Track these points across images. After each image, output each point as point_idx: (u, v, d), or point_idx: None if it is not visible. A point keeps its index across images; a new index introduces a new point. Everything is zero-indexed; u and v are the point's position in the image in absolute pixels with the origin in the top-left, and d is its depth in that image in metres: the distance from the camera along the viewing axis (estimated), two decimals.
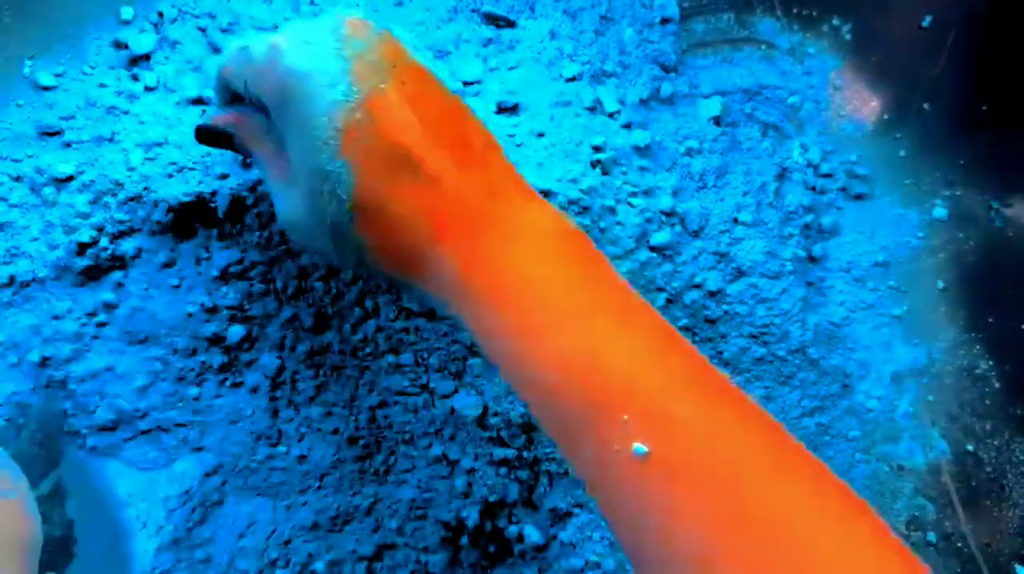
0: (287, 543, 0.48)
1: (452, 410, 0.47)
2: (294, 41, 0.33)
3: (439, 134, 0.32)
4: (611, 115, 0.51)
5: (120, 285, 0.46)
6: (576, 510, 0.50)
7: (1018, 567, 0.51)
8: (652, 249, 0.50)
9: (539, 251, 0.32)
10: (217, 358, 0.46)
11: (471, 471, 0.48)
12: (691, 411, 0.28)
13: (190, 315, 0.46)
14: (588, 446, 0.29)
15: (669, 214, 0.51)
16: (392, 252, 0.33)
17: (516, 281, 0.31)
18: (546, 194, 0.48)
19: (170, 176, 0.45)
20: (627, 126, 0.51)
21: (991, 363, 0.54)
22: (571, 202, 0.49)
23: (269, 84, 0.33)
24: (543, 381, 0.30)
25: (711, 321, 0.52)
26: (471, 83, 0.51)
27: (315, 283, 0.46)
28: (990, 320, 0.54)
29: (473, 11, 0.53)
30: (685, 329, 0.52)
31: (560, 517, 0.50)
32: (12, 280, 0.45)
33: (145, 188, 0.45)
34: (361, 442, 0.48)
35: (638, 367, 0.29)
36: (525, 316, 0.30)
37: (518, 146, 0.50)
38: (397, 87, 0.32)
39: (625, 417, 0.27)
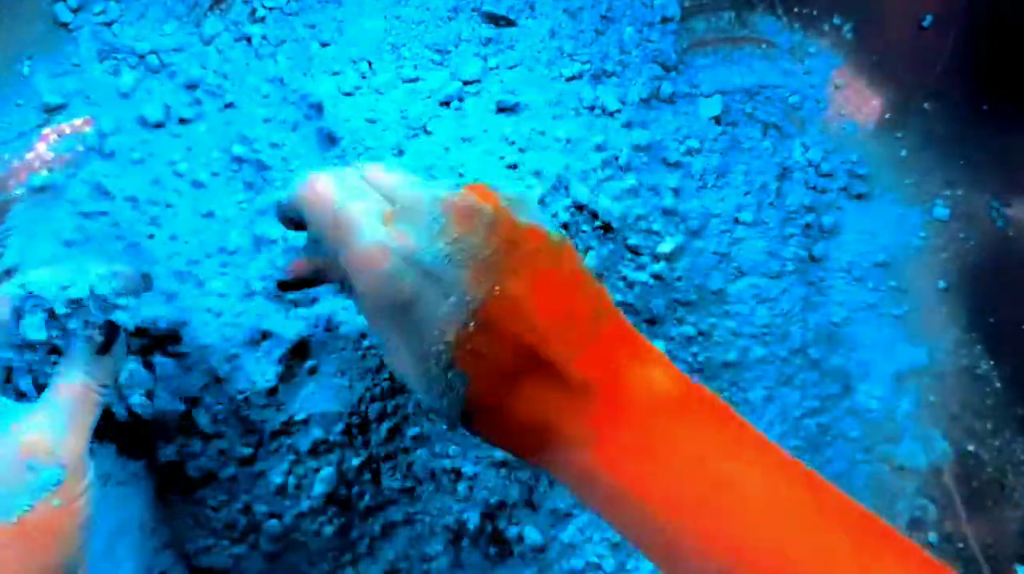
0: None
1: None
2: (394, 249, 0.30)
3: (555, 318, 0.30)
4: (611, 114, 0.51)
5: None
6: (576, 511, 0.50)
7: (1019, 568, 0.51)
8: (656, 257, 0.50)
9: (664, 428, 0.29)
10: None
11: (473, 476, 0.48)
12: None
13: None
14: None
15: (670, 213, 0.51)
16: (510, 441, 0.31)
17: (656, 470, 0.29)
18: (545, 197, 0.48)
19: None
20: (627, 125, 0.51)
21: (992, 363, 0.54)
22: (577, 205, 0.48)
23: (366, 284, 0.31)
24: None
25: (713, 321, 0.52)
26: (471, 82, 0.51)
27: None
28: (991, 320, 0.54)
29: (473, 10, 0.53)
30: (685, 330, 0.52)
31: (560, 518, 0.50)
32: None
33: None
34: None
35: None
36: (659, 503, 0.28)
37: (518, 147, 0.50)
38: (512, 281, 0.30)
39: None
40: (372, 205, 0.32)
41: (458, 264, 0.29)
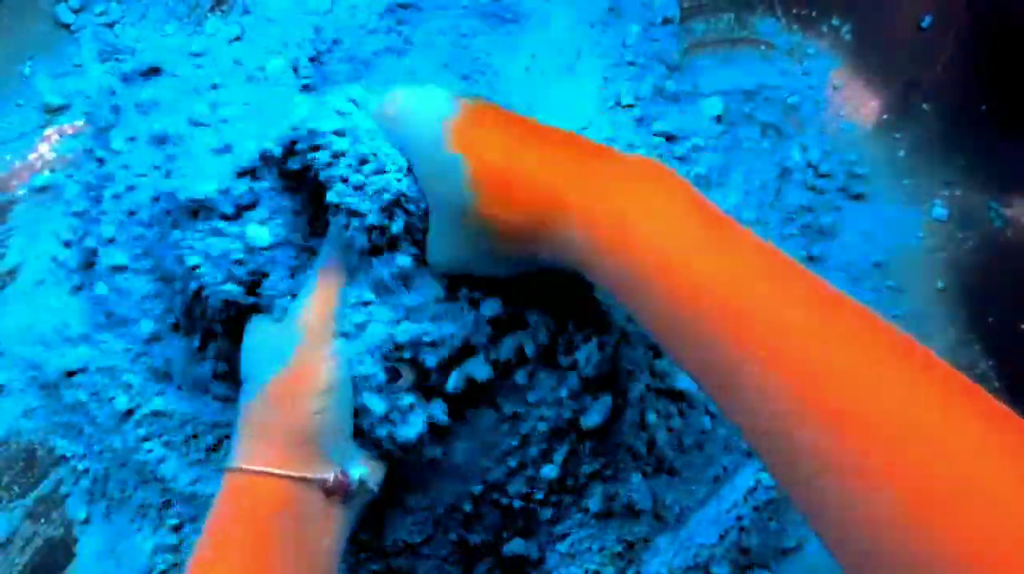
0: None
1: None
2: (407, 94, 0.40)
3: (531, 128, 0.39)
4: (624, 107, 0.51)
5: None
6: (572, 530, 0.50)
7: None
8: None
9: (650, 199, 0.34)
10: None
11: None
12: (804, 318, 0.29)
13: None
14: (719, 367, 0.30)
15: None
16: (516, 223, 0.36)
17: (644, 233, 0.33)
18: None
19: None
20: (640, 120, 0.51)
21: (991, 363, 0.54)
22: None
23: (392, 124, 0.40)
24: (677, 316, 0.31)
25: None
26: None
27: None
28: (989, 320, 0.54)
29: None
30: None
31: (556, 538, 0.50)
32: None
33: None
34: None
35: (759, 292, 0.30)
36: (652, 255, 0.32)
37: None
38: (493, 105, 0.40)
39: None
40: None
41: (448, 96, 0.39)
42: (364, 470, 0.41)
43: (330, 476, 0.40)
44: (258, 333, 0.43)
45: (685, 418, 0.51)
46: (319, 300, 0.41)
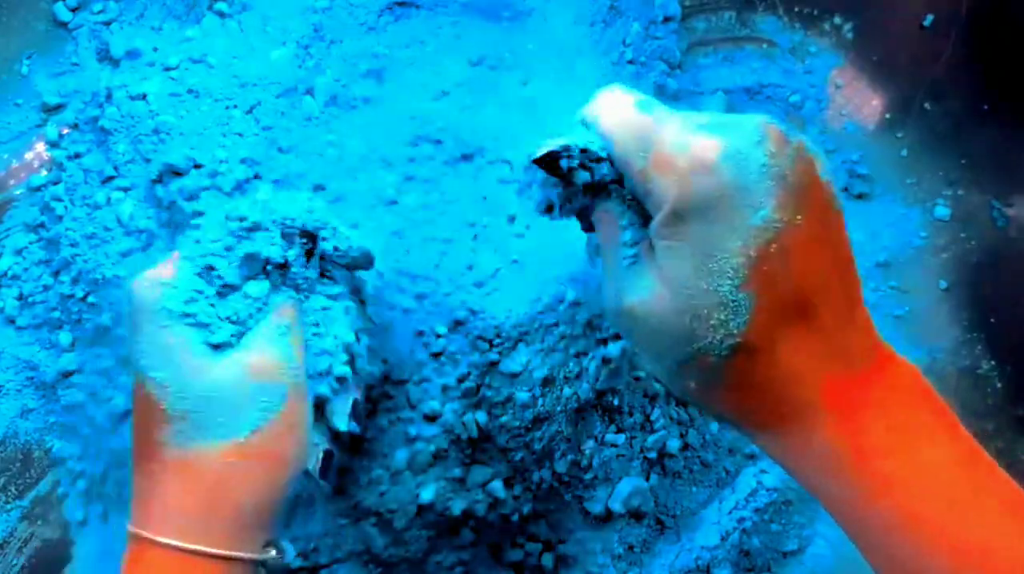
0: None
1: None
2: (725, 143, 0.30)
3: (832, 282, 0.30)
4: None
5: None
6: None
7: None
8: None
9: (911, 428, 0.30)
10: None
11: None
12: None
13: None
14: None
15: None
16: (754, 400, 0.31)
17: (900, 467, 0.29)
18: None
19: None
20: None
21: (993, 363, 0.54)
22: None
23: (682, 179, 0.30)
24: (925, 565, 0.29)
25: None
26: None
27: None
28: (992, 320, 0.54)
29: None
30: None
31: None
32: None
33: None
34: None
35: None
36: (912, 504, 0.29)
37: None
38: (812, 223, 0.29)
39: None
40: (680, 114, 0.32)
41: (772, 178, 0.29)
42: (291, 547, 0.37)
43: (271, 554, 0.35)
44: (205, 362, 0.34)
45: (693, 423, 0.50)
46: (295, 336, 0.36)
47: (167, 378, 0.34)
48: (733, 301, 0.29)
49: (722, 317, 0.29)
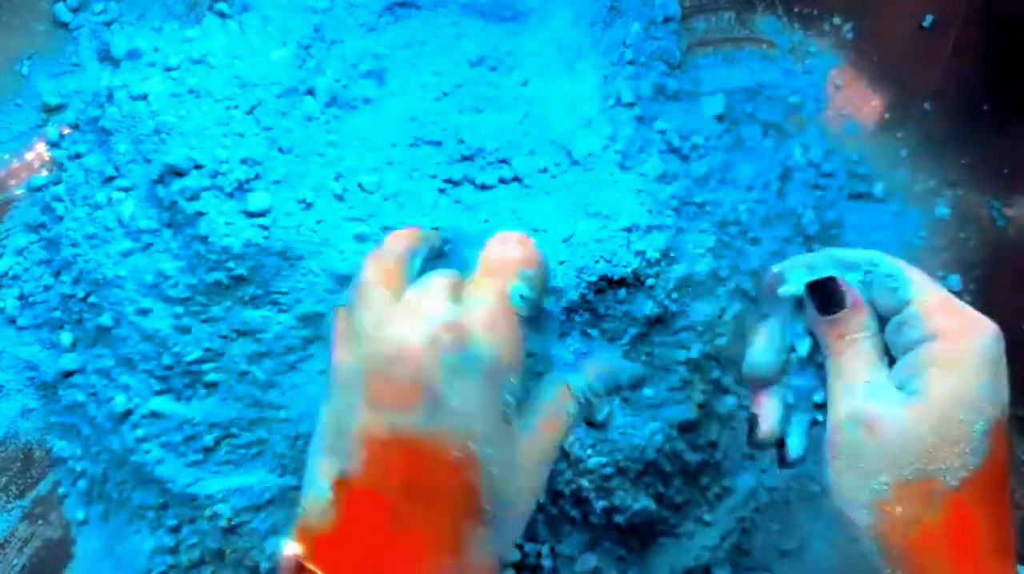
0: None
1: None
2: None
3: None
4: (625, 106, 0.51)
5: None
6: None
7: (1021, 568, 0.51)
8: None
9: None
10: None
11: None
12: None
13: None
14: None
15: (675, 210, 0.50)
16: (954, 546, 0.33)
17: None
18: None
19: None
20: (640, 118, 0.51)
21: None
22: None
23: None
24: None
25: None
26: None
27: None
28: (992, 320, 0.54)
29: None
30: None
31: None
32: None
33: None
34: None
35: None
36: None
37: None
38: None
39: None
40: None
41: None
42: None
43: None
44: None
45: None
46: None
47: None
48: (978, 442, 0.32)
49: (966, 449, 0.32)
